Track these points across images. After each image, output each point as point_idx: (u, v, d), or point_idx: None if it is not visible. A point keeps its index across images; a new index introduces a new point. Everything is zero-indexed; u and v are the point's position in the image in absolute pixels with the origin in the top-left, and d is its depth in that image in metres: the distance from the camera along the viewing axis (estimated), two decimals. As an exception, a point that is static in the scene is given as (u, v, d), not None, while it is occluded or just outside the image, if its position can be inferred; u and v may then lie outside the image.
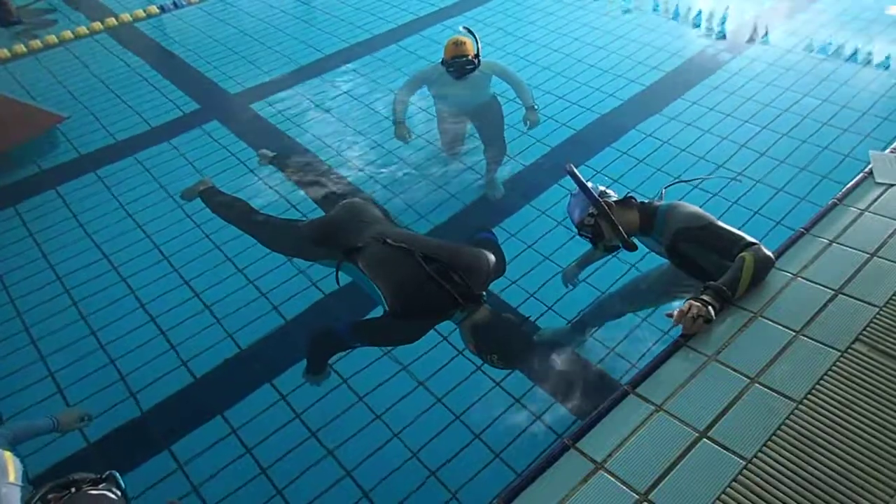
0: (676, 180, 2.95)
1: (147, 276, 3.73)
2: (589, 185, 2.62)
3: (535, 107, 4.26)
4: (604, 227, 2.55)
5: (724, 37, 5.87)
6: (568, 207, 2.74)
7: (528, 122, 4.28)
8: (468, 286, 2.51)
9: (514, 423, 2.86)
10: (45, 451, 2.77)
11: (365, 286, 2.68)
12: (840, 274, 2.32)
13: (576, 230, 2.69)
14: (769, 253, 2.29)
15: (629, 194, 2.62)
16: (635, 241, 2.55)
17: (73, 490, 1.68)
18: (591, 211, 2.57)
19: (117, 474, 1.78)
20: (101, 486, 1.72)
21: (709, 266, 2.38)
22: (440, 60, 4.13)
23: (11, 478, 1.86)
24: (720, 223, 2.40)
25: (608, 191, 2.68)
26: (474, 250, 2.72)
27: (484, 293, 2.58)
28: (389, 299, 2.52)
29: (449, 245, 2.70)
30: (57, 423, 2.59)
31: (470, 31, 4.19)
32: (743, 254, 2.24)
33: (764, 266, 2.27)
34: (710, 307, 2.16)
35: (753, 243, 2.29)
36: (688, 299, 2.23)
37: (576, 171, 2.63)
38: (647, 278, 3.03)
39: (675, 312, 2.19)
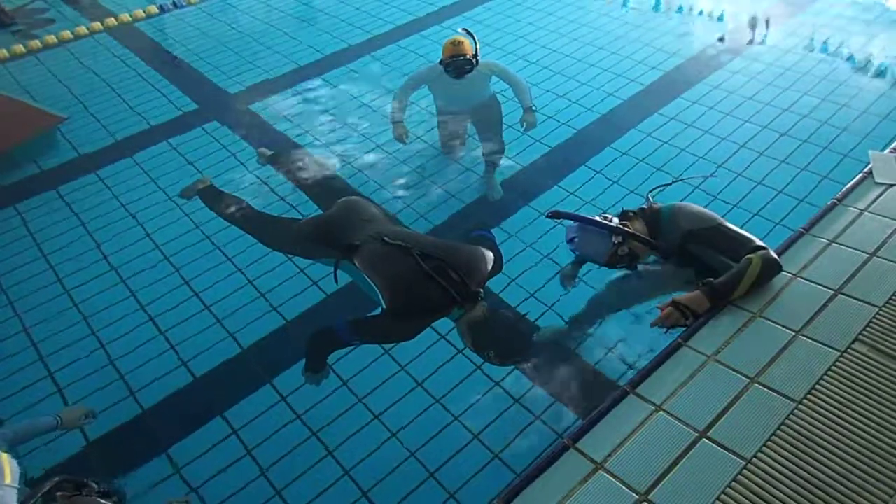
0: (660, 186, 2.87)
1: (147, 277, 3.73)
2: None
3: (534, 108, 4.26)
4: (637, 248, 2.53)
5: (723, 36, 5.86)
6: (579, 250, 2.63)
7: (524, 124, 4.28)
8: (465, 284, 2.51)
9: (514, 423, 2.86)
10: (45, 451, 2.77)
11: (363, 284, 2.68)
12: (840, 274, 2.32)
13: (606, 266, 2.61)
14: (776, 257, 2.29)
15: (623, 209, 2.63)
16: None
17: (83, 493, 1.68)
18: (615, 241, 2.51)
19: (126, 495, 1.80)
20: (111, 499, 1.73)
21: (717, 266, 2.39)
22: (438, 60, 4.13)
23: (7, 480, 1.83)
24: (728, 224, 2.40)
25: (606, 215, 2.64)
26: (471, 248, 2.72)
27: (481, 291, 2.58)
28: (387, 297, 2.52)
29: (446, 243, 2.70)
30: (60, 421, 2.57)
31: (469, 33, 4.19)
32: (750, 255, 2.25)
33: (769, 269, 2.27)
34: (689, 319, 2.22)
35: (762, 247, 2.29)
36: (673, 299, 2.25)
37: (564, 211, 2.59)
38: (640, 274, 3.02)
39: (660, 315, 2.28)
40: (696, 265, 2.48)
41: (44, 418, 2.55)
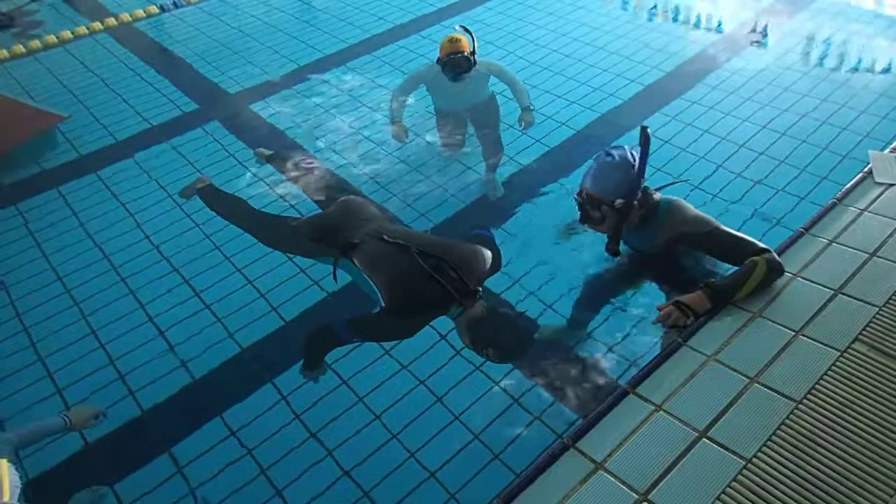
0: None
1: (147, 276, 3.73)
2: None
3: (532, 107, 4.26)
4: (608, 221, 2.49)
5: (723, 37, 5.86)
6: (598, 163, 2.49)
7: (523, 123, 4.28)
8: (464, 282, 2.51)
9: (514, 422, 2.86)
10: (44, 452, 2.77)
11: (362, 283, 2.68)
12: (839, 274, 2.32)
13: (576, 198, 2.53)
14: (780, 261, 2.29)
15: (651, 189, 2.58)
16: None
17: None
18: (615, 201, 2.42)
19: None
20: None
21: (698, 270, 2.38)
22: (436, 59, 4.13)
23: (6, 497, 1.74)
24: (725, 228, 2.39)
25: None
26: (470, 246, 2.73)
27: (479, 289, 2.59)
28: (386, 295, 2.52)
29: (445, 241, 2.71)
30: (69, 422, 2.51)
31: (466, 30, 4.18)
32: (755, 258, 2.24)
33: (774, 273, 2.27)
34: (690, 318, 2.20)
35: (766, 249, 2.28)
36: (675, 299, 2.25)
37: (647, 142, 2.39)
38: (610, 269, 3.01)
39: (661, 313, 2.25)
40: (673, 266, 2.47)
41: (51, 419, 2.48)
